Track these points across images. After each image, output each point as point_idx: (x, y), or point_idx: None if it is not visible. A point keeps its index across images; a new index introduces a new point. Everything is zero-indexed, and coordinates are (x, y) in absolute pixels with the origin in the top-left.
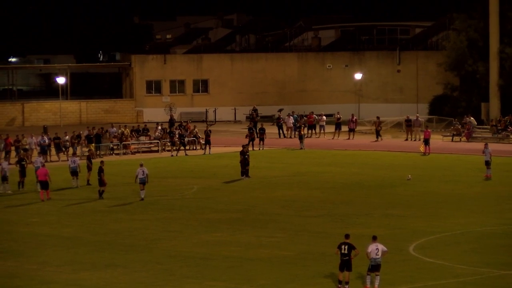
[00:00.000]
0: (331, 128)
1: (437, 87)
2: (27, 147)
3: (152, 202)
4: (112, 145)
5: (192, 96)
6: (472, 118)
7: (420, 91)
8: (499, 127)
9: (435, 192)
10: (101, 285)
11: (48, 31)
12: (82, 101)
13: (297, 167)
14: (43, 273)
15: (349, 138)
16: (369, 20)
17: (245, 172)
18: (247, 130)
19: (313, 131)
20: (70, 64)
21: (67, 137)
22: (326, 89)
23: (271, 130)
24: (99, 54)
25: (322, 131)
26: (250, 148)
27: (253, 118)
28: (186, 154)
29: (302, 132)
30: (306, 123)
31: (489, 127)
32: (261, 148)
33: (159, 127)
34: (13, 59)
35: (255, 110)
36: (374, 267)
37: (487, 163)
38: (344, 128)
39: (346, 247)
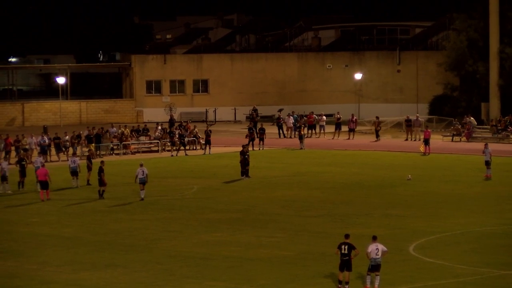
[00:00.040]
0: (331, 128)
1: (437, 87)
2: (27, 147)
3: (152, 202)
4: (112, 145)
5: (192, 96)
6: (472, 118)
7: (420, 91)
8: (499, 127)
9: (435, 192)
10: (101, 285)
11: (48, 31)
12: (82, 101)
13: (297, 167)
14: (43, 273)
15: (349, 138)
16: (369, 20)
17: (245, 172)
18: (247, 130)
19: (313, 131)
20: (70, 64)
21: (67, 137)
22: (326, 89)
23: (271, 130)
24: (99, 54)
25: (322, 131)
26: (250, 148)
27: (253, 118)
28: (186, 154)
29: (302, 132)
30: (306, 123)
31: (489, 127)
32: (261, 148)
33: (159, 127)
34: (13, 59)
35: (255, 110)
36: (374, 267)
37: (487, 163)
38: (344, 128)
39: (346, 247)
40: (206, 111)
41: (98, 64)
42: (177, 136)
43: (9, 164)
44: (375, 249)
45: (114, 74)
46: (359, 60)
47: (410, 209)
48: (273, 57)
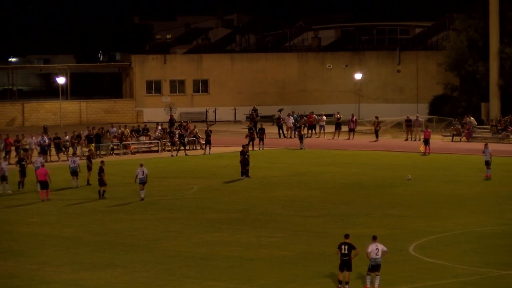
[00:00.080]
0: (331, 128)
1: (437, 87)
2: (27, 147)
3: (152, 202)
4: (112, 145)
5: (192, 96)
6: (472, 118)
7: (420, 91)
8: (499, 127)
9: (435, 192)
10: (101, 285)
11: (48, 31)
12: (82, 101)
13: (297, 167)
14: (43, 273)
15: (349, 138)
16: (369, 20)
17: (245, 172)
18: (247, 130)
19: (313, 131)
20: (70, 64)
21: (67, 137)
22: (326, 89)
23: (271, 130)
24: (99, 54)
25: (322, 131)
26: (250, 148)
27: (253, 118)
28: (186, 154)
29: (302, 132)
30: (306, 123)
31: (489, 127)
32: (261, 148)
33: (159, 127)
34: (13, 59)
35: (255, 110)
36: (374, 267)
37: (487, 163)
38: (344, 128)
39: (346, 247)
40: (206, 111)
41: (98, 64)
42: (177, 136)
43: (9, 164)
44: (375, 249)
45: (114, 74)
46: (359, 60)
47: (410, 209)
48: (273, 57)
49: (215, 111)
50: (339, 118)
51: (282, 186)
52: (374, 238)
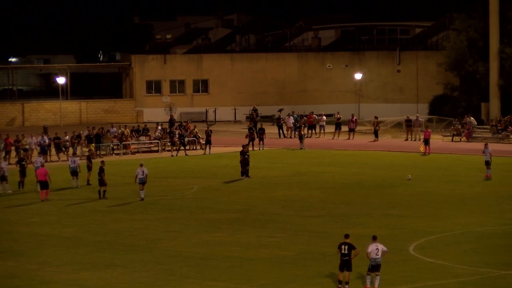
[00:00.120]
0: (331, 128)
1: (437, 87)
2: (27, 147)
3: (152, 202)
4: (112, 145)
5: (192, 96)
6: (472, 118)
7: (420, 91)
8: (499, 127)
9: (435, 192)
10: (101, 285)
11: (48, 31)
12: (82, 101)
13: (297, 167)
14: (43, 273)
15: (349, 138)
16: (369, 20)
17: (245, 172)
18: (247, 130)
19: (313, 131)
20: (70, 64)
21: (67, 137)
22: (326, 89)
23: (271, 130)
24: (99, 54)
25: (322, 131)
26: (250, 148)
27: (253, 118)
28: (186, 154)
29: (302, 132)
30: (306, 123)
31: (489, 127)
32: (261, 148)
33: (159, 127)
34: (13, 59)
35: (255, 110)
36: (374, 267)
37: (487, 163)
38: (344, 128)
39: (346, 247)
40: (206, 111)
41: (98, 64)
42: (177, 136)
43: (9, 164)
44: (375, 249)
45: (114, 74)
46: (359, 60)
47: (410, 209)
48: (273, 57)
49: (215, 111)
50: (339, 118)
51: (282, 186)
52: (374, 238)
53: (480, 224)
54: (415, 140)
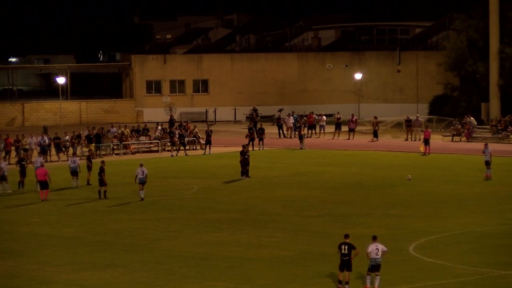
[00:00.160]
0: (331, 128)
1: (437, 87)
2: (27, 147)
3: (152, 202)
4: (112, 145)
5: (192, 96)
6: (472, 118)
7: (420, 91)
8: (499, 127)
9: (435, 192)
10: (101, 285)
11: (48, 31)
12: (82, 101)
13: (297, 167)
14: (43, 273)
15: (349, 138)
16: (369, 20)
17: (245, 172)
18: (247, 130)
19: (313, 131)
20: (70, 64)
21: (67, 137)
22: (326, 89)
23: (271, 130)
24: (99, 54)
25: (322, 131)
26: (250, 148)
27: (253, 118)
28: (186, 154)
29: (302, 132)
30: (306, 123)
31: (489, 127)
32: (261, 148)
33: (159, 127)
34: (13, 59)
35: (255, 110)
36: (374, 267)
37: (487, 163)
38: (344, 128)
39: (346, 247)
40: (206, 111)
41: (98, 64)
42: (177, 136)
43: (9, 164)
44: (375, 249)
45: (114, 74)
46: (359, 60)
47: (410, 209)
48: (273, 57)
49: (215, 111)
50: (339, 118)
51: (282, 186)
52: (374, 238)
53: (480, 224)
54: (415, 140)
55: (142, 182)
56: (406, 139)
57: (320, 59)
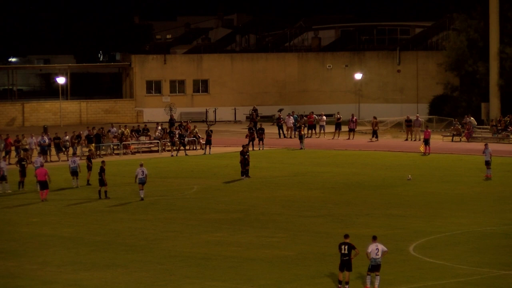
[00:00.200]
0: (331, 128)
1: (437, 87)
2: (27, 147)
3: (152, 202)
4: (112, 145)
5: (192, 96)
6: (472, 118)
7: (420, 91)
8: (499, 127)
9: (435, 192)
10: (102, 285)
11: (48, 31)
12: (82, 101)
13: (297, 167)
14: (43, 273)
15: (349, 138)
16: (369, 20)
17: (245, 172)
18: (247, 130)
19: (313, 131)
20: (70, 64)
21: (67, 137)
22: (326, 89)
23: (271, 130)
24: (99, 54)
25: (322, 131)
26: (250, 148)
27: (253, 118)
28: (186, 154)
29: (302, 132)
30: (306, 123)
31: (489, 127)
32: (261, 148)
33: (159, 127)
34: (13, 59)
35: (255, 110)
36: (374, 267)
37: (487, 163)
38: (344, 128)
39: (346, 247)
40: (206, 111)
41: (98, 64)
42: (177, 136)
43: (9, 164)
44: (375, 249)
45: (114, 74)
46: (359, 60)
47: (410, 209)
48: (273, 57)
49: (215, 111)
50: (339, 118)
51: (282, 186)
52: (374, 238)
53: (480, 224)
54: (415, 140)
55: (142, 182)
56: (406, 139)
57: (320, 59)
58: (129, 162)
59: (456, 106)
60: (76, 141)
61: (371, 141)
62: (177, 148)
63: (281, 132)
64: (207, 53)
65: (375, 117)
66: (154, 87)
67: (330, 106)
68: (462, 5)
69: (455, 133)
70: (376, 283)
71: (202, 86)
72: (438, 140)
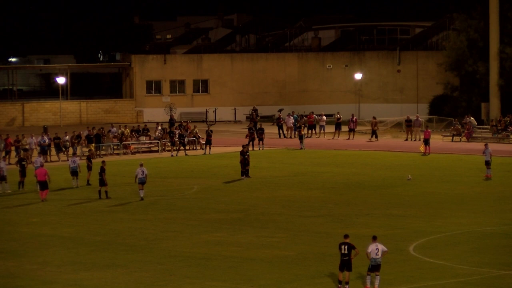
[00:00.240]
0: (331, 128)
1: (437, 87)
2: (27, 147)
3: (152, 202)
4: (112, 145)
5: (192, 96)
6: (472, 118)
7: (420, 91)
8: (499, 127)
9: (435, 192)
10: (102, 285)
11: (48, 31)
12: (82, 101)
13: (297, 167)
14: (43, 273)
15: (349, 138)
16: (369, 20)
17: (245, 172)
18: (247, 130)
19: (313, 131)
20: (70, 64)
21: (67, 137)
22: (326, 89)
23: (271, 130)
24: (99, 54)
25: (322, 131)
26: (250, 148)
27: (253, 118)
28: (186, 154)
29: (302, 132)
30: (306, 123)
31: (489, 127)
32: (261, 148)
33: (159, 127)
34: (13, 59)
35: (255, 110)
36: (374, 267)
37: (487, 163)
38: (344, 128)
39: (346, 247)
40: (206, 111)
41: (98, 64)
42: (177, 136)
43: (9, 164)
44: (375, 249)
45: (114, 74)
46: (359, 60)
47: (410, 209)
48: (273, 57)
49: (215, 111)
50: (339, 118)
51: (282, 186)
52: (374, 238)
53: (480, 224)
54: (415, 140)
55: (142, 182)
56: (406, 139)
57: (320, 59)
58: (129, 162)
59: (456, 106)
60: (76, 141)
61: (370, 141)
62: (177, 148)
63: (281, 132)
64: (207, 53)
65: (374, 117)
66: (154, 87)
67: (330, 106)
68: (462, 5)
69: (455, 133)
70: (376, 283)
71: (202, 86)
72: (438, 140)
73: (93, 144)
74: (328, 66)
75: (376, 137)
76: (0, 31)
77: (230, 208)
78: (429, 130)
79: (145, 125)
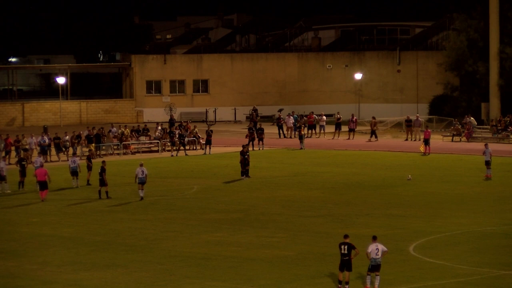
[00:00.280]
0: (331, 128)
1: (437, 87)
2: (27, 147)
3: (152, 202)
4: (112, 145)
5: (192, 96)
6: (472, 118)
7: (420, 91)
8: (499, 127)
9: (435, 192)
10: (102, 285)
11: (48, 31)
12: (82, 101)
13: (297, 167)
14: (43, 273)
15: (349, 138)
16: (369, 20)
17: (245, 172)
18: (247, 130)
19: (313, 131)
20: (70, 64)
21: (67, 137)
22: (326, 89)
23: (271, 130)
24: (99, 54)
25: (322, 131)
26: (250, 148)
27: (253, 118)
28: (186, 154)
29: (302, 132)
30: (306, 123)
31: (489, 127)
32: (260, 148)
33: (159, 127)
34: (13, 59)
35: (255, 110)
36: (374, 267)
37: (487, 163)
38: (344, 128)
39: (346, 247)
40: (206, 111)
41: (98, 64)
42: (177, 136)
43: (9, 164)
44: (375, 249)
45: (114, 74)
46: (359, 60)
47: (410, 209)
48: (273, 57)
49: (215, 111)
50: (339, 118)
51: (282, 186)
52: (374, 238)
53: (480, 224)
54: (415, 140)
55: (142, 182)
56: (406, 139)
57: (320, 59)
58: (129, 162)
59: (456, 106)
60: (76, 141)
61: (370, 141)
62: (177, 148)
63: (281, 132)
64: (207, 53)
65: (374, 117)
66: (154, 87)
67: (330, 106)
68: (462, 5)
69: (455, 133)
70: (376, 283)
71: (202, 86)
72: (438, 140)
73: (93, 144)
74: (328, 66)
75: (376, 137)
76: (0, 31)
77: (230, 208)
78: (429, 130)
79: (145, 125)
